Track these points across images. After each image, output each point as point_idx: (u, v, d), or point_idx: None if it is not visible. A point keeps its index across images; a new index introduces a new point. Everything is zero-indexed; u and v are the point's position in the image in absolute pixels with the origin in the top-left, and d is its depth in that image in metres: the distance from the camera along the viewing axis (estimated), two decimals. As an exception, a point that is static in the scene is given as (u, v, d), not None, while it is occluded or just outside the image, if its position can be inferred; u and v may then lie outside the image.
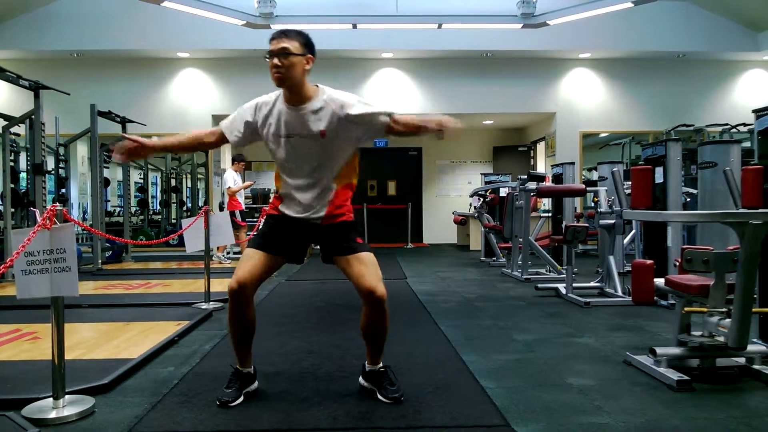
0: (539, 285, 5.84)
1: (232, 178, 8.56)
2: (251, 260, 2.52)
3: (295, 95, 2.50)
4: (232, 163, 8.75)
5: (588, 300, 4.90)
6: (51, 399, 2.45)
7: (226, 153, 11.53)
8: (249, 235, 8.83)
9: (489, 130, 13.01)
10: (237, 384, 2.58)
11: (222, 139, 2.65)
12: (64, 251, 2.45)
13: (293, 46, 2.43)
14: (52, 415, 2.38)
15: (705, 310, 2.83)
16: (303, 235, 2.65)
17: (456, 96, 10.58)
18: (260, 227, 2.71)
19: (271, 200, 2.81)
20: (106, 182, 9.49)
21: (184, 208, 12.69)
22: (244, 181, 8.90)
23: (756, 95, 10.56)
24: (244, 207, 8.94)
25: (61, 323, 2.50)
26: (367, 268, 2.51)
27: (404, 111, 10.64)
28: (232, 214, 8.07)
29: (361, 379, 2.71)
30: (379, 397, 2.56)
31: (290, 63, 2.42)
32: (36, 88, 6.75)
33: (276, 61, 2.41)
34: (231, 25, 8.31)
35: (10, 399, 2.54)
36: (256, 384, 2.68)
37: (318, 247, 2.70)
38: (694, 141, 9.58)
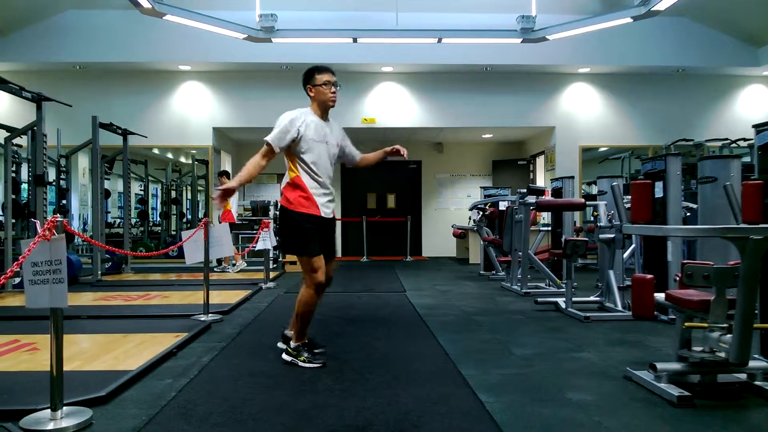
0: (539, 299, 5.83)
1: None
2: (323, 262, 3.43)
3: (326, 113, 3.52)
4: (223, 177, 9.17)
5: (588, 314, 4.89)
6: (49, 410, 2.44)
7: (226, 165, 11.57)
8: (248, 247, 8.86)
9: (488, 144, 13.05)
10: (313, 348, 3.48)
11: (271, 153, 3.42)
12: (60, 263, 2.46)
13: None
14: (50, 426, 2.37)
15: (706, 325, 2.82)
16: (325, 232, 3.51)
17: (455, 110, 10.63)
18: (302, 230, 3.37)
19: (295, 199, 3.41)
20: (107, 193, 9.50)
21: (184, 219, 12.69)
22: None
23: (756, 110, 10.62)
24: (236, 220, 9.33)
25: (60, 334, 2.49)
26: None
27: (404, 124, 10.74)
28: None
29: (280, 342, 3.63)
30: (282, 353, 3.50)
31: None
32: (38, 99, 6.78)
33: (334, 89, 3.44)
34: (232, 39, 8.36)
35: (8, 410, 2.53)
36: None
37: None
38: (693, 156, 9.61)
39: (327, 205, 3.44)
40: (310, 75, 3.43)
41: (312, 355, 3.41)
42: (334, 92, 3.41)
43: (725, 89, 10.81)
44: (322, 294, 3.49)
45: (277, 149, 3.36)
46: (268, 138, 3.35)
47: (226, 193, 3.27)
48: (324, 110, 3.46)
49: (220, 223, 8.77)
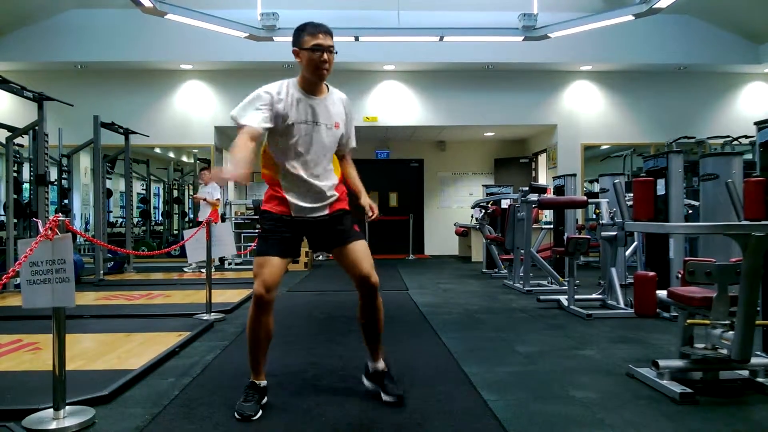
0: (541, 297, 5.83)
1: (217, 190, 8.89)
2: (271, 265, 2.56)
3: (318, 87, 2.66)
4: (206, 173, 8.93)
5: (590, 312, 4.89)
6: (51, 410, 2.44)
7: (228, 164, 11.57)
8: (250, 246, 8.86)
9: (490, 142, 13.04)
10: (255, 397, 2.58)
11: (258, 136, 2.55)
12: (64, 262, 2.46)
13: (333, 44, 2.61)
14: (53, 426, 2.38)
15: (708, 322, 2.82)
16: (305, 231, 2.71)
17: (457, 108, 10.62)
18: (262, 229, 2.69)
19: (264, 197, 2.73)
20: (109, 193, 9.51)
21: (186, 219, 12.71)
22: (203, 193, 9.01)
23: (757, 107, 10.60)
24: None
25: (62, 334, 2.50)
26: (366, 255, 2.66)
27: (406, 123, 10.69)
28: None
29: (364, 379, 2.81)
30: (384, 397, 2.64)
31: (332, 59, 2.61)
32: (40, 99, 6.79)
33: (326, 56, 2.56)
34: (234, 38, 8.36)
35: (11, 410, 2.53)
36: (266, 398, 2.67)
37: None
38: (695, 153, 9.59)
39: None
40: (298, 35, 2.62)
41: (244, 400, 2.55)
42: (325, 60, 2.55)
43: (727, 87, 10.79)
44: (267, 312, 2.59)
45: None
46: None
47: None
48: (310, 83, 2.62)
49: (198, 222, 8.64)
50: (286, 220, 2.62)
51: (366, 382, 2.80)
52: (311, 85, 2.62)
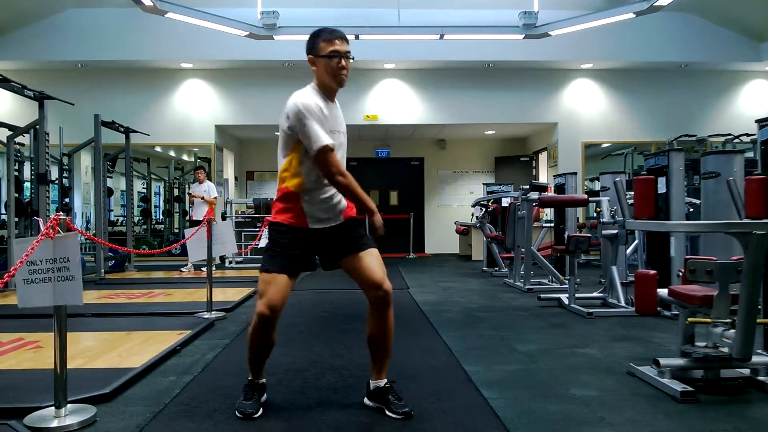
0: (542, 295, 5.83)
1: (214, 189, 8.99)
2: (277, 283, 2.49)
3: (334, 94, 2.62)
4: (202, 172, 9.08)
5: (591, 310, 4.89)
6: (53, 408, 2.44)
7: (228, 162, 11.58)
8: (251, 245, 8.85)
9: (491, 140, 13.03)
10: (255, 395, 2.59)
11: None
12: (67, 260, 2.45)
13: (350, 49, 2.57)
14: (54, 424, 2.38)
15: (709, 320, 2.82)
16: (318, 243, 2.61)
17: (458, 106, 10.62)
18: (271, 242, 2.60)
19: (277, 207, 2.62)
20: (110, 192, 9.52)
21: (187, 217, 12.71)
22: (198, 191, 9.07)
23: (758, 105, 10.59)
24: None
25: (64, 332, 2.50)
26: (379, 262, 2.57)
27: (407, 121, 10.65)
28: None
29: (366, 399, 2.64)
30: (389, 414, 2.49)
31: (349, 65, 2.57)
32: (40, 98, 6.79)
33: (344, 62, 2.51)
34: (234, 36, 8.36)
35: (12, 408, 2.53)
36: (265, 395, 2.68)
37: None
38: (696, 151, 9.59)
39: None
40: (313, 41, 2.54)
41: (244, 398, 2.57)
42: (343, 66, 2.51)
43: (728, 84, 10.78)
44: (270, 329, 2.53)
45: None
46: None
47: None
48: (330, 90, 2.57)
49: (193, 220, 8.67)
50: (301, 232, 2.54)
51: (367, 402, 2.62)
52: (330, 93, 2.58)
